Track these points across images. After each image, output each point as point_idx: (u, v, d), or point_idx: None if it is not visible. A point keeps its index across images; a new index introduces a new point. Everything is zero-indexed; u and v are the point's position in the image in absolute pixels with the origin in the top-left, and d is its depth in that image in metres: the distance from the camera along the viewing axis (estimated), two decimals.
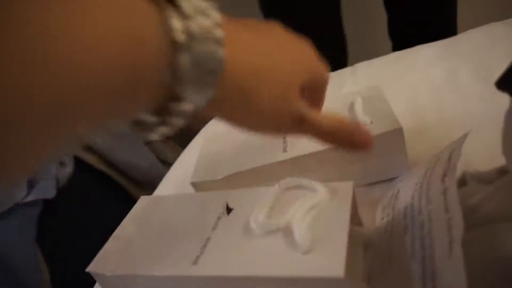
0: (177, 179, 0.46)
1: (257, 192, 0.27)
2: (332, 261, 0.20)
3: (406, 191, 0.27)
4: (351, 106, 0.34)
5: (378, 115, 0.31)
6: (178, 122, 0.17)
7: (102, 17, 0.13)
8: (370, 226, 0.27)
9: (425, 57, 0.48)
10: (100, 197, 0.71)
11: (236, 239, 0.24)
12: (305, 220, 0.23)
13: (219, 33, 0.16)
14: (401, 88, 0.44)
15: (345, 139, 0.23)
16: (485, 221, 0.20)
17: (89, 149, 0.71)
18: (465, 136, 0.24)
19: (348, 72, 0.53)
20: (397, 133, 0.30)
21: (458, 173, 0.26)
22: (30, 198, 0.60)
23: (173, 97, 0.16)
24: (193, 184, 0.33)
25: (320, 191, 0.24)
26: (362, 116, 0.31)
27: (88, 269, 0.27)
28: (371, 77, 0.50)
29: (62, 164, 0.63)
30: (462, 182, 0.25)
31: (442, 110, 0.39)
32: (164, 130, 0.17)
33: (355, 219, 0.26)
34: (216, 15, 0.16)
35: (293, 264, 0.21)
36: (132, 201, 0.33)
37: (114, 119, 0.15)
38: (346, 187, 0.25)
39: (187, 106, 0.16)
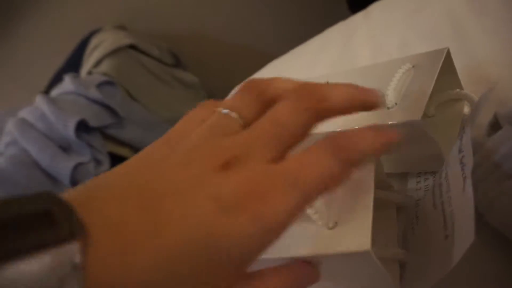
0: None
1: None
2: (358, 234, 0.20)
3: None
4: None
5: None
6: None
7: None
8: (401, 189, 0.26)
9: None
10: None
11: None
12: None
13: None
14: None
15: None
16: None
17: (122, 143, 0.73)
18: (490, 90, 0.22)
19: (361, 17, 0.49)
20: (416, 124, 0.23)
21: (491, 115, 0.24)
22: None
23: None
24: None
25: None
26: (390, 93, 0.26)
27: None
28: (388, 20, 0.46)
29: (98, 162, 0.66)
30: (495, 125, 0.23)
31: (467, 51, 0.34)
32: None
33: (383, 185, 0.25)
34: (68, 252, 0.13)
35: (320, 241, 0.21)
36: None
37: None
38: None
39: None
